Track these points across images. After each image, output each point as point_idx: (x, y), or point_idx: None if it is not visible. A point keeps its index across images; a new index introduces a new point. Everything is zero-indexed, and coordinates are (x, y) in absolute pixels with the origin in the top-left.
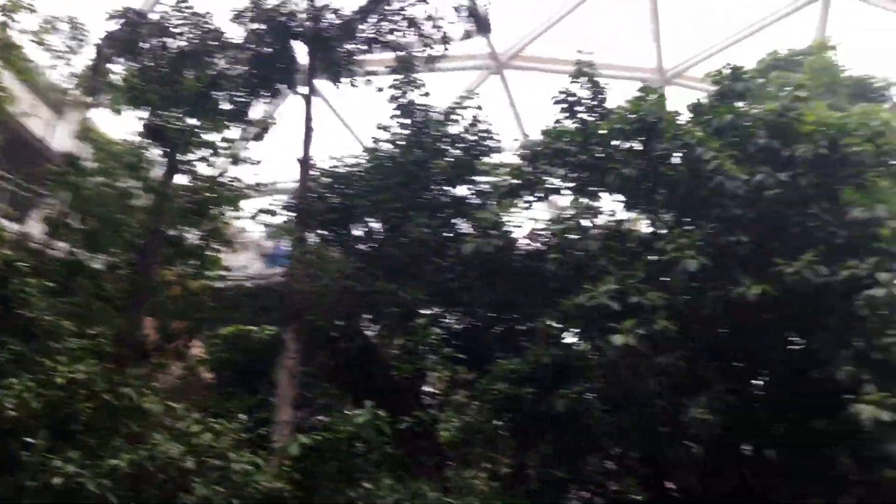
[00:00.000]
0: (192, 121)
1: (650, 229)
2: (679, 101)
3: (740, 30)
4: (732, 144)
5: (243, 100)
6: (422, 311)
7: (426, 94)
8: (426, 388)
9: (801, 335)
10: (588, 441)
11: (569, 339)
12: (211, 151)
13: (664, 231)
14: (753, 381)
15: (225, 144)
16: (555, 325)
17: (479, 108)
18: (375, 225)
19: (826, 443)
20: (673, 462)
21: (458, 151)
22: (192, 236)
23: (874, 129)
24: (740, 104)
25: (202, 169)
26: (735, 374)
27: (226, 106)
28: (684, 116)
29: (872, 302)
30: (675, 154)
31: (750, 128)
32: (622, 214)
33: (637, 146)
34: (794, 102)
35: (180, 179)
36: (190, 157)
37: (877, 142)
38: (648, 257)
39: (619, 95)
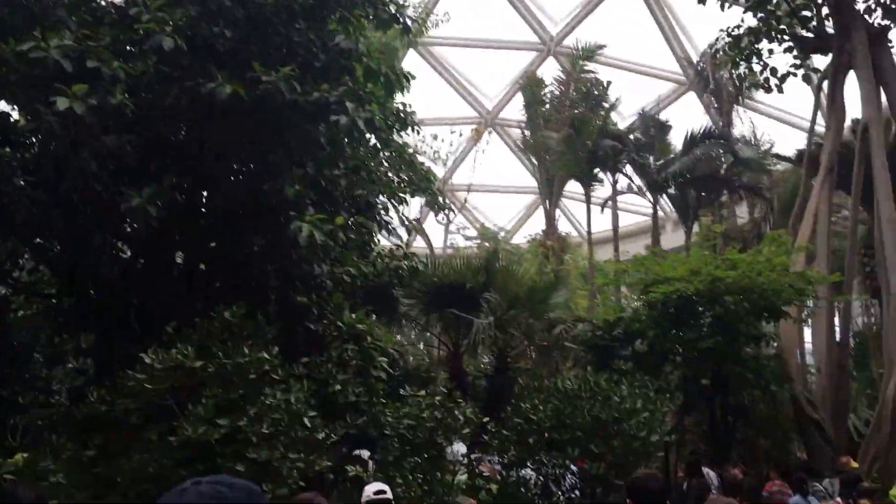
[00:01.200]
0: None
1: None
2: None
3: None
4: None
5: None
6: None
7: None
8: None
9: (262, 147)
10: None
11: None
12: None
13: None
14: (204, 191)
15: None
16: None
17: None
18: None
19: (261, 259)
20: (98, 258)
21: None
22: None
23: None
24: None
25: None
26: (189, 172)
27: None
28: None
29: (335, 129)
30: None
31: None
32: None
33: None
34: None
35: None
36: None
37: None
38: (121, 28)
39: None
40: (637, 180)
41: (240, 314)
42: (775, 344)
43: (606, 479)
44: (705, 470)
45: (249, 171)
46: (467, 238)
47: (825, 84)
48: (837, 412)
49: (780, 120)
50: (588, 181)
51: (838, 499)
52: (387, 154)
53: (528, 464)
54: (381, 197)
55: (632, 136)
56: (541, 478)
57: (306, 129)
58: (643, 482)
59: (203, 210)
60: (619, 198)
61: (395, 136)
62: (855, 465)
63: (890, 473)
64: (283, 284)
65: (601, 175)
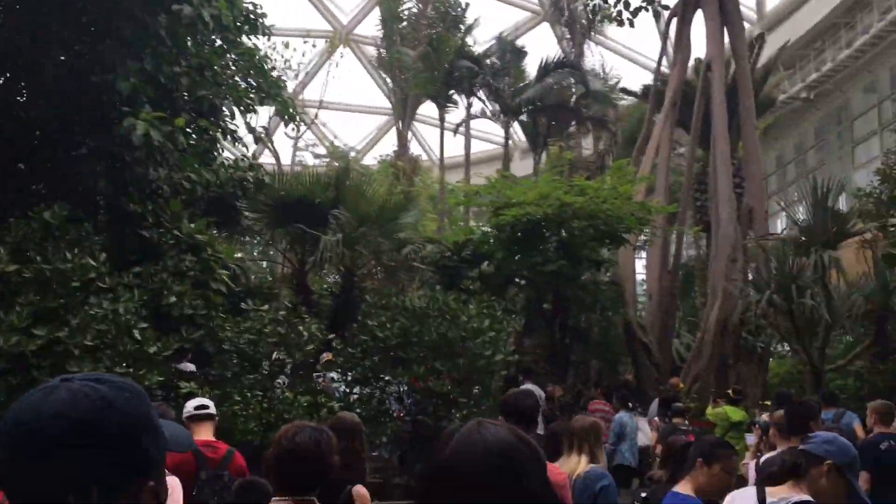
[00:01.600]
0: None
1: None
2: None
3: None
4: None
5: None
6: None
7: None
8: None
9: (92, 35)
10: None
11: None
12: None
13: None
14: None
15: None
16: None
17: None
18: None
19: (90, 160)
20: None
21: None
22: None
23: None
24: None
25: None
26: (5, 58)
27: None
28: None
29: (176, 20)
30: None
31: None
32: None
33: None
34: None
35: None
36: None
37: None
38: None
39: None
40: (491, 106)
41: (62, 216)
42: (609, 273)
43: (449, 396)
44: (531, 386)
45: (77, 62)
46: (316, 156)
47: (673, 22)
48: (664, 336)
49: (627, 57)
50: (443, 102)
51: (656, 418)
52: (234, 57)
53: (372, 381)
54: (226, 102)
55: (488, 61)
56: (382, 394)
57: (143, 17)
58: (516, 399)
59: (23, 102)
60: (471, 124)
61: (244, 39)
62: (683, 386)
63: (707, 394)
64: (115, 188)
65: (456, 98)
